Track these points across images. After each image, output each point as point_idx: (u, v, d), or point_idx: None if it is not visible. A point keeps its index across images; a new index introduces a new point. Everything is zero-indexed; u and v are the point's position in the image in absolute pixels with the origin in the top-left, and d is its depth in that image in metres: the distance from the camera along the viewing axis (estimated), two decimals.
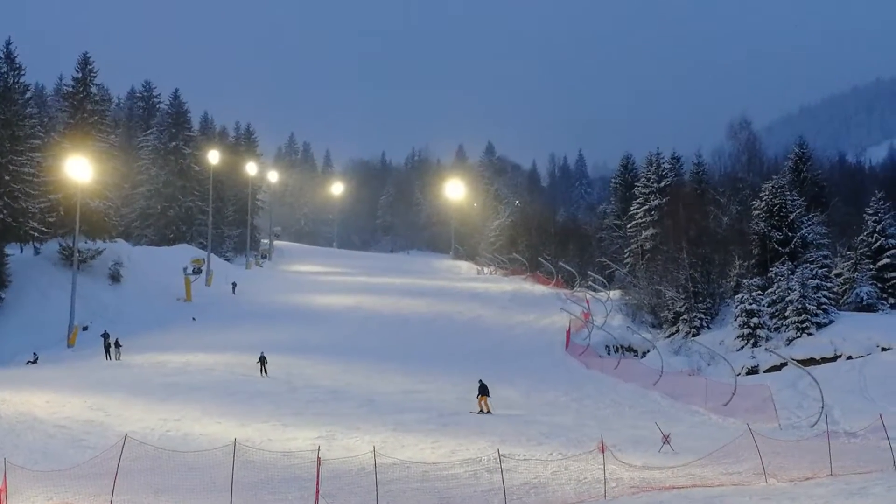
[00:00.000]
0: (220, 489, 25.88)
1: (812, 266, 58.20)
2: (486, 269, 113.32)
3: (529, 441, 34.71)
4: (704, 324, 62.25)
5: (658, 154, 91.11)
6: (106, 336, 57.36)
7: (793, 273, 56.14)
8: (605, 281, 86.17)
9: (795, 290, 54.04)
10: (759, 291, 57.08)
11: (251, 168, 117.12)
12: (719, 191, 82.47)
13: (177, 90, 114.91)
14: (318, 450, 27.69)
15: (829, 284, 56.00)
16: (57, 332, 65.12)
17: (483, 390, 41.05)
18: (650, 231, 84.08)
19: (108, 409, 39.45)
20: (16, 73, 74.66)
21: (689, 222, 71.07)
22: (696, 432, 37.35)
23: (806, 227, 64.57)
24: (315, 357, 53.98)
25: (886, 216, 61.18)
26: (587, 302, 76.33)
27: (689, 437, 35.46)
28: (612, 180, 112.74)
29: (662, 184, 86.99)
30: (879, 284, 58.82)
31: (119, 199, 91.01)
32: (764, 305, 55.84)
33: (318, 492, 25.71)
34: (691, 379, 49.66)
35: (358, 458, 28.89)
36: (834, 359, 50.09)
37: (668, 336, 63.31)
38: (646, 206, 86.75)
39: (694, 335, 60.93)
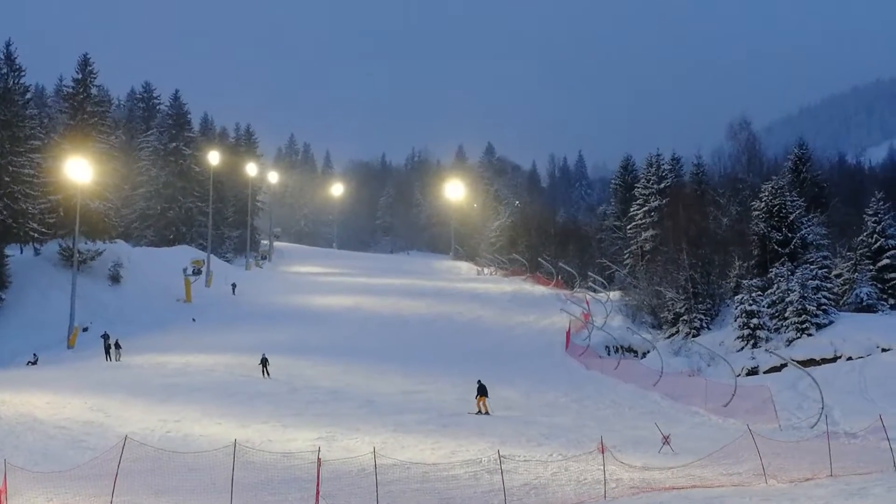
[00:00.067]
0: (221, 490, 25.89)
1: (812, 267, 58.19)
2: (486, 270, 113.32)
3: (529, 442, 34.72)
4: (704, 324, 62.24)
5: (658, 155, 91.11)
6: (106, 337, 57.38)
7: (792, 274, 56.14)
8: (604, 282, 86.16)
9: (795, 290, 54.04)
10: (759, 292, 57.08)
11: (251, 169, 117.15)
12: (719, 191, 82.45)
13: (177, 91, 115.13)
14: (319, 451, 27.69)
15: (828, 285, 55.99)
16: (57, 333, 65.15)
17: (482, 391, 41.03)
18: (650, 232, 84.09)
19: (108, 410, 39.46)
20: (16, 74, 74.76)
21: (688, 223, 71.05)
22: (696, 433, 37.35)
23: (806, 228, 64.56)
24: (315, 358, 53.98)
25: (886, 217, 61.15)
26: (587, 303, 76.33)
27: (689, 437, 35.46)
28: (612, 181, 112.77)
29: (662, 185, 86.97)
30: (879, 285, 58.80)
31: (119, 200, 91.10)
32: (764, 306, 55.84)
33: (318, 493, 25.71)
34: (691, 380, 49.65)
35: (358, 458, 28.88)
36: (834, 359, 50.08)
37: (668, 337, 63.30)
38: (646, 207, 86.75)
39: (694, 336, 60.92)
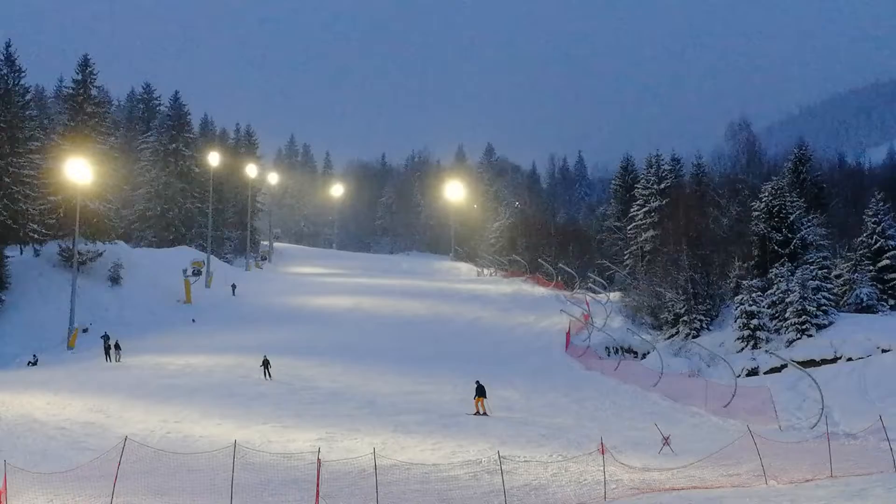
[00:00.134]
0: (221, 491, 25.90)
1: (812, 267, 58.15)
2: (485, 271, 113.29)
3: (529, 442, 34.73)
4: (704, 325, 62.20)
5: (658, 155, 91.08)
6: (106, 338, 57.39)
7: (792, 274, 56.10)
8: (604, 282, 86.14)
9: (795, 291, 54.01)
10: (759, 293, 57.04)
11: (251, 170, 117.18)
12: (719, 192, 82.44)
13: (177, 92, 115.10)
14: (319, 451, 27.73)
15: (828, 286, 55.95)
16: (57, 334, 65.17)
17: (480, 391, 40.99)
18: (650, 233, 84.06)
19: (108, 411, 39.49)
20: (16, 75, 74.84)
21: (688, 224, 71.02)
22: (696, 434, 37.36)
23: (806, 229, 64.51)
24: (315, 359, 53.99)
25: (886, 217, 61.08)
26: (587, 303, 76.31)
27: (688, 438, 35.47)
28: (612, 182, 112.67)
29: (662, 185, 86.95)
30: (879, 286, 58.74)
31: (119, 200, 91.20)
32: (764, 307, 55.82)
33: (318, 493, 25.71)
34: (691, 380, 49.65)
35: (358, 459, 28.90)
36: (834, 360, 50.01)
37: (668, 338, 63.27)
38: (646, 208, 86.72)
39: (694, 337, 60.89)
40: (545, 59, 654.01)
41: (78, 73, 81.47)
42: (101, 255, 76.10)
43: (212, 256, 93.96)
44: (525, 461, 30.19)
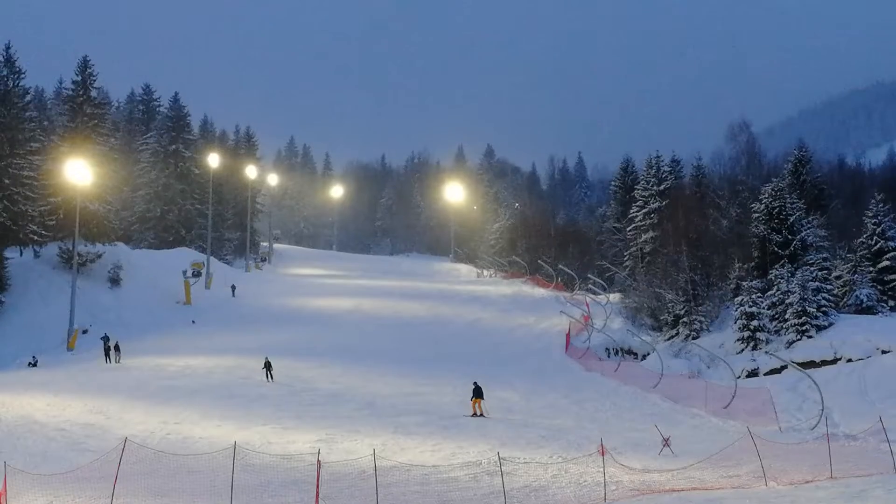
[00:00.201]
0: (221, 492, 25.90)
1: (812, 268, 58.16)
2: (485, 272, 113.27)
3: (529, 444, 34.73)
4: (704, 326, 62.21)
5: (658, 157, 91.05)
6: (106, 339, 57.37)
7: (792, 275, 56.12)
8: (604, 284, 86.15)
9: (795, 292, 54.03)
10: (759, 294, 57.06)
11: (251, 171, 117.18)
12: (719, 193, 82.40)
13: (176, 93, 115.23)
14: (319, 453, 27.74)
15: (828, 287, 55.96)
16: (57, 335, 65.16)
17: (477, 393, 40.91)
18: (650, 234, 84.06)
19: (107, 413, 39.49)
20: (16, 76, 74.83)
21: (688, 225, 71.04)
22: (696, 435, 37.36)
23: (806, 230, 64.53)
24: (315, 360, 53.98)
25: (886, 219, 61.06)
26: (587, 305, 76.31)
27: (688, 439, 35.47)
28: (612, 183, 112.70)
29: (662, 187, 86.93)
30: (879, 287, 58.73)
31: (119, 202, 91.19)
32: (764, 308, 55.83)
33: (318, 495, 25.72)
34: (691, 382, 49.65)
35: (358, 460, 28.91)
36: (834, 361, 50.03)
37: (668, 339, 63.28)
38: (645, 209, 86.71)
39: (694, 338, 60.89)
40: (545, 59, 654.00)
41: (78, 75, 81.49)
42: (100, 256, 76.10)
43: (211, 258, 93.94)
44: (525, 462, 30.20)
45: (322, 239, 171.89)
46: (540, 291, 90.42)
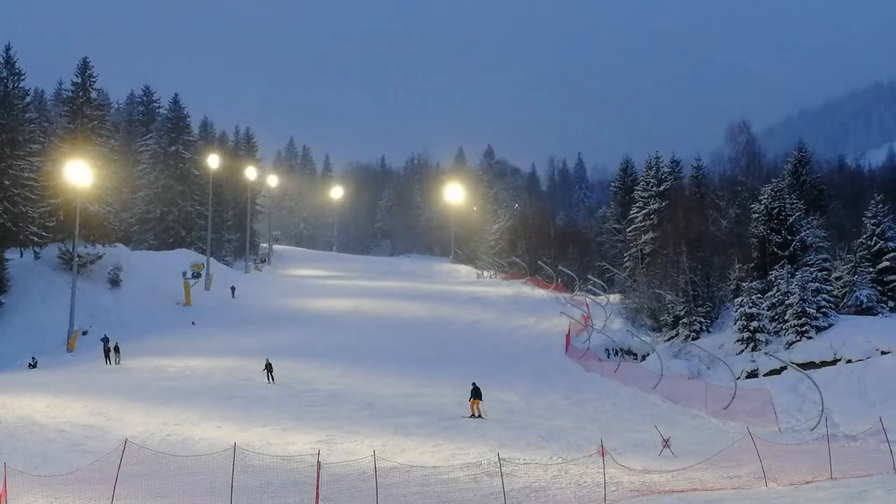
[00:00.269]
0: (221, 493, 25.91)
1: (811, 269, 58.20)
2: (485, 273, 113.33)
3: (529, 445, 34.73)
4: (704, 327, 62.26)
5: (657, 158, 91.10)
6: (106, 340, 57.33)
7: (792, 276, 56.14)
8: (604, 285, 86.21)
9: (795, 293, 54.06)
10: (759, 295, 57.09)
11: (251, 172, 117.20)
12: (719, 194, 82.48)
13: (176, 95, 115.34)
14: (318, 454, 27.74)
15: (828, 288, 55.99)
16: (57, 336, 65.13)
17: (475, 393, 40.84)
18: (650, 235, 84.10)
19: (107, 414, 39.48)
20: (15, 77, 74.78)
21: (688, 226, 71.09)
22: (696, 436, 37.37)
23: (805, 231, 64.58)
24: (315, 361, 53.96)
25: (886, 219, 61.13)
26: (587, 305, 76.32)
27: (688, 440, 35.49)
28: (612, 184, 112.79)
29: (662, 187, 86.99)
30: (879, 287, 58.79)
31: (118, 203, 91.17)
32: (763, 309, 55.86)
33: (318, 496, 25.73)
34: (691, 382, 49.66)
35: (358, 461, 28.89)
36: (833, 362, 50.05)
37: (668, 340, 63.32)
38: (645, 210, 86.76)
39: (693, 339, 60.93)
40: (545, 59, 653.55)
41: (77, 76, 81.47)
42: (100, 257, 76.07)
43: (211, 259, 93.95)
44: (525, 463, 30.22)
45: (322, 240, 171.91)
46: (540, 292, 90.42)
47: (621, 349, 62.65)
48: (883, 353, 48.93)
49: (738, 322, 56.14)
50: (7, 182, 70.49)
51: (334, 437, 35.49)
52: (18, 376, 52.90)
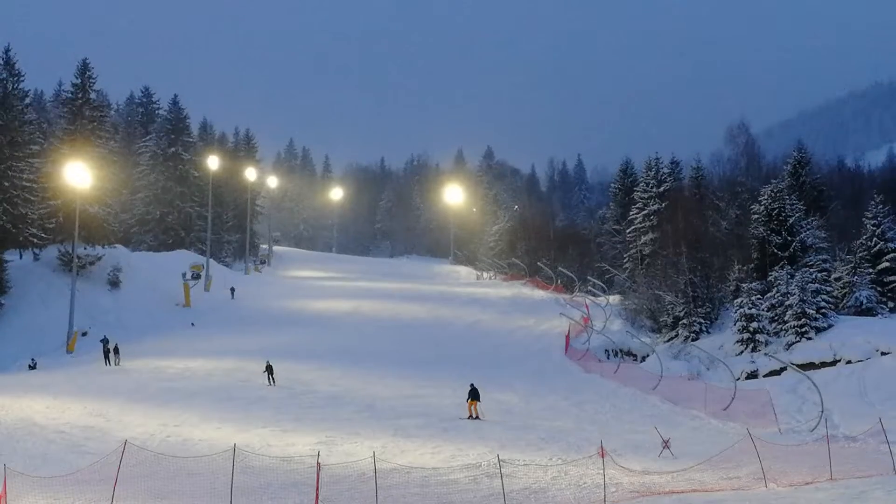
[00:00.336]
0: (220, 494, 25.91)
1: (811, 270, 58.19)
2: (485, 274, 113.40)
3: (529, 446, 34.73)
4: (704, 328, 62.27)
5: (657, 159, 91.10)
6: (105, 342, 57.31)
7: (792, 277, 56.13)
8: (604, 286, 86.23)
9: (795, 294, 54.05)
10: (759, 296, 57.09)
11: (250, 173, 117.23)
12: (718, 195, 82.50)
13: (176, 96, 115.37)
14: (318, 455, 27.74)
15: (828, 288, 55.99)
16: (56, 337, 65.11)
17: (473, 395, 40.80)
18: (649, 236, 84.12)
19: (107, 415, 39.48)
20: (15, 79, 74.73)
21: (688, 227, 71.09)
22: (696, 437, 37.37)
23: (805, 232, 64.58)
24: (314, 362, 53.95)
25: (886, 220, 61.14)
26: (586, 307, 76.35)
27: (688, 441, 35.48)
28: (612, 185, 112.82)
29: (661, 188, 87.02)
30: (879, 288, 58.78)
31: (118, 204, 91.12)
32: (763, 310, 55.85)
33: (317, 497, 25.73)
34: (691, 383, 49.65)
35: (358, 463, 28.88)
36: (833, 363, 50.04)
37: (668, 341, 63.32)
38: (645, 211, 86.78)
39: (693, 340, 60.94)
40: (545, 59, 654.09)
41: (77, 77, 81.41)
42: (100, 259, 76.05)
43: (211, 260, 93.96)
44: (525, 465, 30.21)
45: (321, 241, 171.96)
46: (539, 293, 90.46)
47: (621, 350, 62.65)
48: (883, 353, 48.90)
49: (738, 323, 56.14)
50: (7, 184, 70.44)
51: (334, 438, 35.49)
52: (18, 377, 52.89)
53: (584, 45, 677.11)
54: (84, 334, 66.47)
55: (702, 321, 62.56)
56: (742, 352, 55.15)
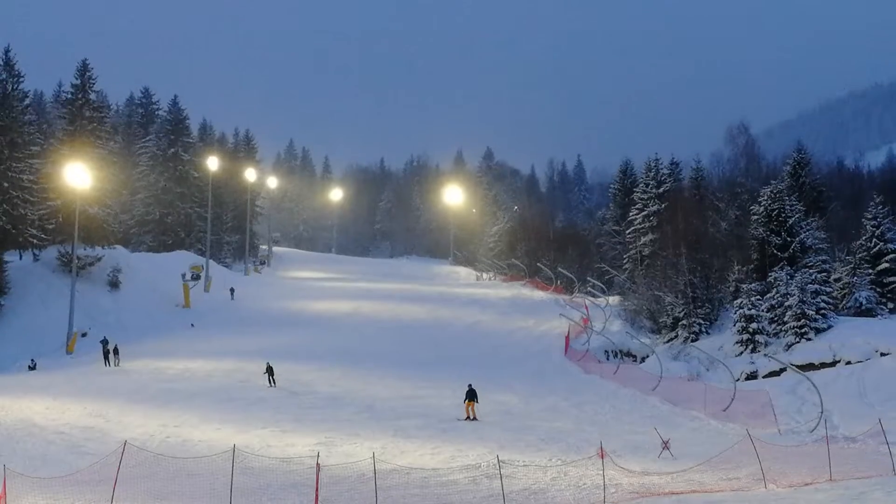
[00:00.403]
0: (220, 495, 25.92)
1: (811, 271, 58.21)
2: (485, 275, 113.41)
3: (528, 447, 34.73)
4: (703, 329, 62.26)
5: (657, 159, 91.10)
6: (105, 342, 57.31)
7: (792, 278, 56.15)
8: (603, 286, 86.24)
9: (794, 295, 54.06)
10: (758, 297, 57.10)
11: (250, 174, 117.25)
12: (718, 196, 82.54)
13: (175, 96, 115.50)
14: (318, 456, 27.74)
15: (828, 289, 56.00)
16: (56, 338, 65.09)
17: (471, 395, 40.81)
18: (649, 236, 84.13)
19: (107, 416, 39.49)
20: (15, 79, 74.72)
21: (687, 228, 71.09)
22: (696, 438, 37.37)
23: (805, 232, 64.60)
24: (314, 363, 53.95)
25: (885, 221, 61.15)
26: (586, 307, 76.34)
27: (688, 442, 35.48)
28: (611, 186, 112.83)
29: (661, 189, 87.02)
30: (878, 289, 58.79)
31: (118, 205, 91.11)
32: (763, 311, 55.86)
33: (317, 498, 25.74)
34: (690, 384, 49.65)
35: (357, 464, 28.90)
36: (833, 364, 50.04)
37: (667, 341, 63.32)
38: (645, 212, 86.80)
39: (693, 340, 60.92)
40: (545, 59, 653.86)
41: (77, 78, 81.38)
42: (99, 259, 76.01)
43: (210, 261, 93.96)
44: (524, 465, 30.22)
45: (321, 242, 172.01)
46: (539, 294, 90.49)
47: (620, 351, 62.66)
48: (882, 354, 48.89)
49: (738, 324, 56.15)
50: (6, 184, 70.43)
51: (334, 439, 35.50)
52: (18, 378, 52.90)
53: (584, 45, 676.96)
54: (84, 335, 66.46)
55: (701, 322, 62.57)
56: (742, 353, 55.15)
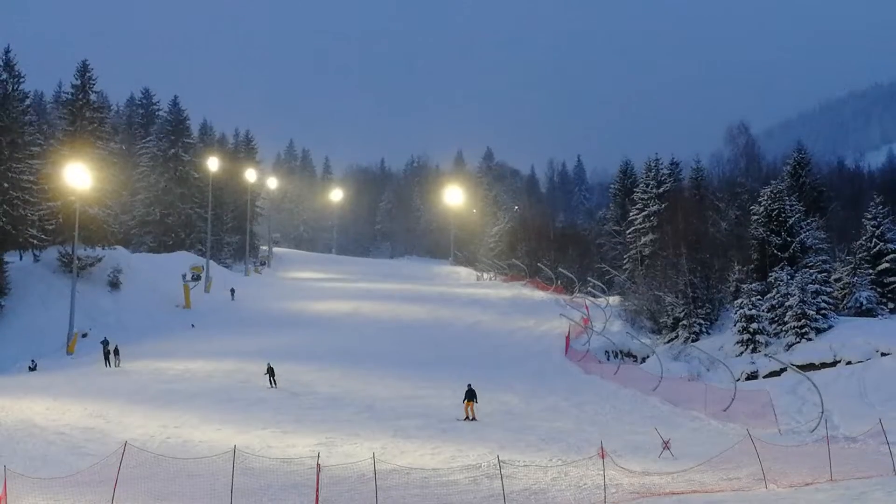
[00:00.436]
0: (220, 496, 25.93)
1: (811, 271, 58.20)
2: (485, 275, 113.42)
3: (529, 447, 34.73)
4: (704, 329, 62.24)
5: (657, 160, 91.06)
6: (105, 343, 57.31)
7: (792, 278, 56.14)
8: (604, 287, 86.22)
9: (795, 295, 54.05)
10: (759, 297, 57.09)
11: (250, 175, 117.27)
12: (718, 196, 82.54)
13: (176, 97, 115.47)
14: (318, 456, 27.75)
15: (828, 289, 55.99)
16: (56, 339, 65.10)
17: (470, 395, 40.80)
18: (649, 237, 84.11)
19: (107, 416, 39.50)
20: (15, 80, 74.72)
21: (687, 228, 71.07)
22: (696, 438, 37.37)
23: (805, 232, 64.59)
24: (314, 363, 53.95)
25: (885, 221, 61.14)
26: (586, 307, 76.34)
27: (688, 442, 35.48)
28: (611, 186, 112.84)
29: (661, 189, 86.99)
30: (879, 289, 58.78)
31: (118, 206, 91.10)
32: (763, 311, 55.85)
33: (317, 498, 25.74)
34: (691, 384, 49.64)
35: (358, 464, 28.90)
36: (833, 364, 50.03)
37: (668, 342, 63.30)
38: (645, 212, 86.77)
39: (693, 341, 60.91)
40: (545, 59, 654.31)
41: (77, 79, 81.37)
42: (100, 260, 76.02)
43: (211, 261, 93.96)
44: (525, 465, 30.22)
45: (321, 242, 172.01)
46: (539, 294, 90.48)
47: (621, 351, 62.65)
48: (883, 354, 48.88)
49: (738, 324, 56.14)
50: (6, 185, 70.45)
51: (334, 439, 35.50)
52: (18, 379, 52.90)
53: (584, 45, 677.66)
54: (84, 336, 66.49)
55: (702, 322, 62.55)
56: (742, 353, 55.14)
